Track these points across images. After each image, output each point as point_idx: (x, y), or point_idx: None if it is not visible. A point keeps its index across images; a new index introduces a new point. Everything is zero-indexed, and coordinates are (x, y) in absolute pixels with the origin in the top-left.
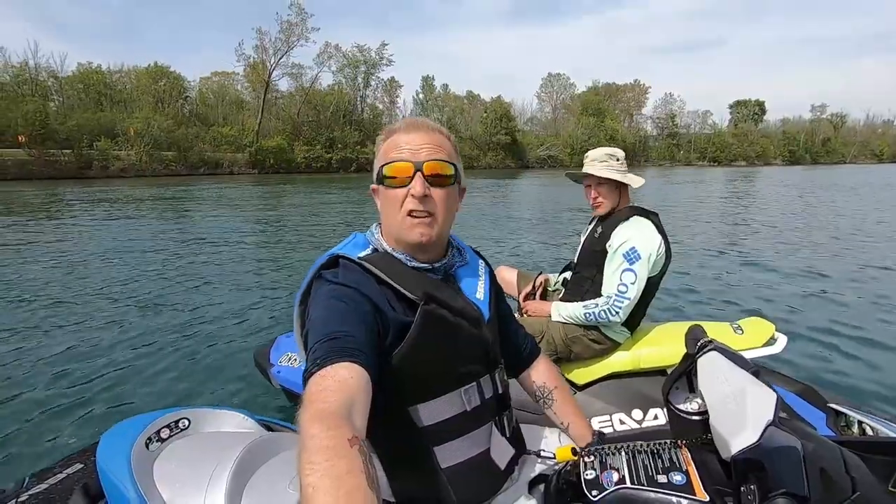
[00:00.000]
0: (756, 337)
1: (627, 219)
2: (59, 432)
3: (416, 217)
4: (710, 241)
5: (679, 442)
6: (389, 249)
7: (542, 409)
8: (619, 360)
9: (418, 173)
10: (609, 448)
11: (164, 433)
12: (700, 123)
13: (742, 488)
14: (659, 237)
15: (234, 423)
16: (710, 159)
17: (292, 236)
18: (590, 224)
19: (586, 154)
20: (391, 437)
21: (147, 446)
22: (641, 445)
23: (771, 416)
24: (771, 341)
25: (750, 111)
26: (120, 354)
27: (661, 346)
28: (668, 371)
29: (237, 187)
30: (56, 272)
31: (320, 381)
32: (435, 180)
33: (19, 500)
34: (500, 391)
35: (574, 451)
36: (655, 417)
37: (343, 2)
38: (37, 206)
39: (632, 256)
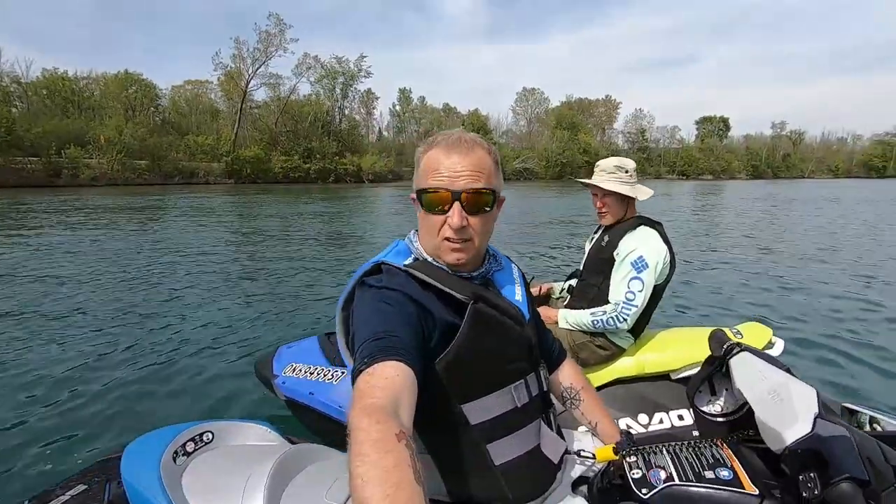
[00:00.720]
0: (754, 341)
1: (635, 228)
2: (50, 454)
3: (452, 243)
4: (695, 250)
5: (717, 440)
6: (430, 259)
7: (571, 410)
8: (624, 366)
9: (456, 203)
10: (651, 448)
11: (190, 447)
12: (669, 138)
13: (801, 477)
14: (664, 246)
15: (258, 436)
16: (678, 173)
17: (278, 246)
18: (595, 233)
19: (597, 163)
20: (444, 436)
21: (174, 460)
22: (682, 445)
23: (817, 409)
24: (769, 345)
25: (715, 127)
26: (108, 372)
27: (664, 351)
28: (672, 375)
29: (214, 197)
30: (30, 286)
31: (368, 379)
32: (472, 209)
33: None
34: (545, 388)
35: (616, 451)
36: (661, 421)
37: (322, 15)
38: (3, 215)
39: (640, 265)
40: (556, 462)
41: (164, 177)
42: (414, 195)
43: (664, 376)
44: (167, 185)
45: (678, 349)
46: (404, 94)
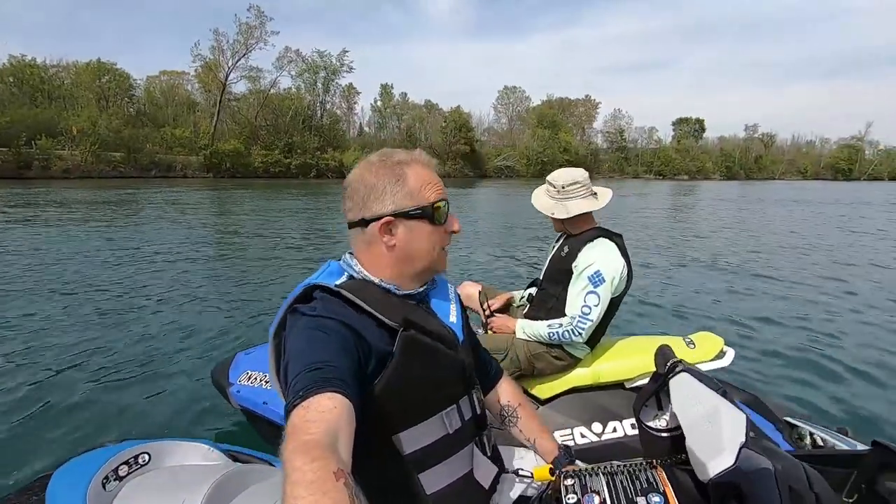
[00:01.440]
0: (707, 351)
1: (593, 240)
2: (18, 463)
3: (445, 251)
4: (660, 255)
5: (654, 462)
6: (377, 280)
7: (509, 428)
8: (579, 375)
9: (451, 211)
10: (588, 469)
11: (123, 470)
12: (646, 139)
13: None
14: (622, 260)
15: (199, 456)
16: (655, 173)
17: (253, 244)
18: (556, 241)
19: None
20: (373, 467)
21: (104, 486)
22: (618, 466)
23: (743, 438)
24: (720, 354)
25: (691, 128)
26: (61, 378)
27: (619, 360)
28: (626, 384)
29: (191, 191)
30: None
31: (303, 413)
32: None
33: None
34: (479, 411)
35: (552, 472)
36: (614, 430)
37: (304, 9)
38: None
39: (596, 280)
40: (486, 487)
41: (141, 170)
42: (391, 219)
43: (618, 385)
44: (143, 179)
45: (633, 358)
46: (386, 90)
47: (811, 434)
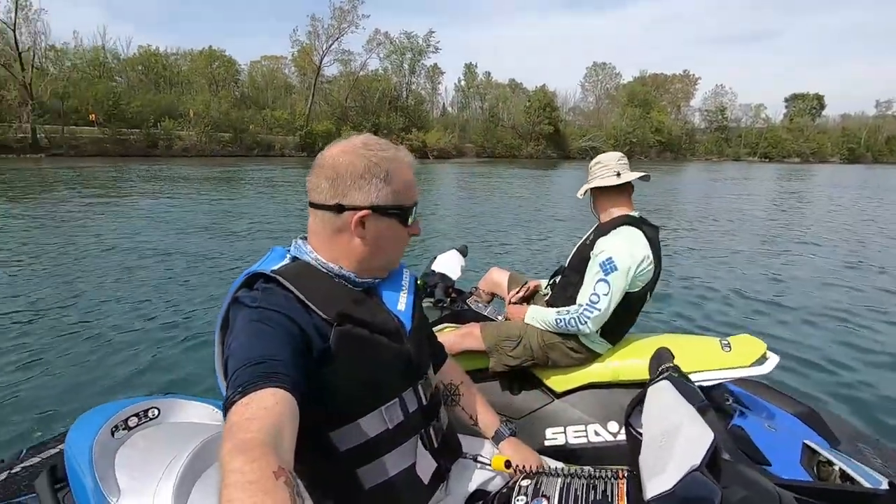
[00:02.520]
0: (744, 355)
1: (617, 227)
2: (64, 408)
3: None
4: (730, 246)
5: (621, 472)
6: (335, 268)
7: (451, 408)
8: (598, 370)
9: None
10: (549, 471)
11: (132, 421)
12: (752, 117)
13: None
14: (645, 251)
15: (203, 415)
16: (760, 155)
17: None
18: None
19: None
20: (309, 462)
21: (113, 434)
22: (582, 471)
23: (698, 461)
24: (760, 360)
25: (807, 105)
26: (143, 334)
27: (642, 358)
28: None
29: (286, 168)
30: (107, 251)
31: (243, 410)
32: None
33: (12, 471)
34: (426, 402)
35: (507, 464)
36: None
37: None
38: (107, 182)
39: (607, 267)
40: (426, 482)
41: (246, 149)
42: (366, 213)
43: (641, 385)
44: (247, 157)
45: None
46: (470, 70)
47: (830, 463)
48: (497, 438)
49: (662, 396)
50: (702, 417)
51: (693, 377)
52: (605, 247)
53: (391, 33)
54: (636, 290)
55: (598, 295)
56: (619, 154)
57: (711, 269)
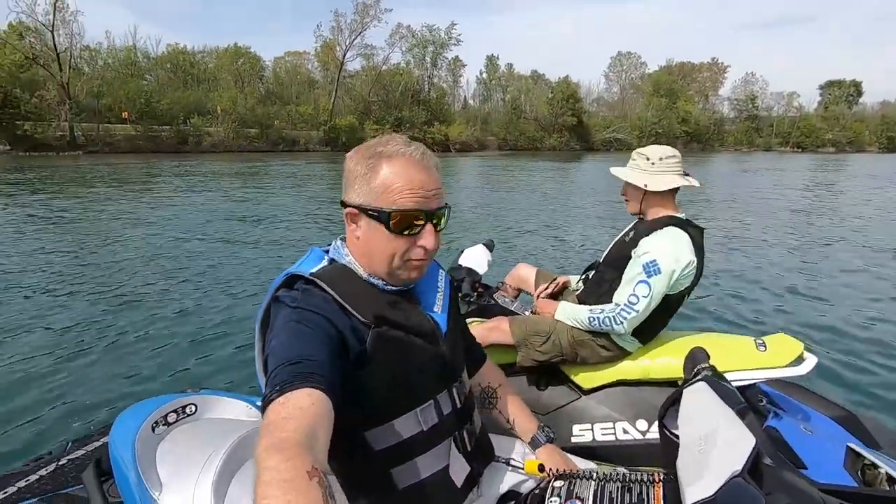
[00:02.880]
0: (780, 355)
1: (662, 227)
2: (102, 399)
3: (417, 262)
4: (764, 240)
5: (657, 476)
6: (364, 275)
7: (489, 411)
8: (628, 368)
9: (429, 224)
10: (581, 473)
11: (172, 417)
12: (784, 106)
13: None
14: (690, 256)
15: (238, 412)
16: (793, 144)
17: None
18: (630, 226)
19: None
20: (346, 462)
21: (153, 429)
22: (616, 474)
23: (739, 466)
24: (797, 361)
25: (844, 93)
26: (180, 328)
27: (673, 356)
28: (679, 383)
29: (311, 163)
30: (144, 244)
31: (279, 409)
32: (438, 227)
33: (59, 463)
34: (460, 405)
35: (541, 468)
36: None
37: None
38: (142, 178)
39: (651, 269)
40: (459, 485)
41: (271, 144)
42: (353, 211)
43: (672, 383)
44: (273, 152)
45: None
46: (491, 62)
47: (875, 466)
48: (534, 445)
49: (699, 398)
50: (741, 421)
51: (727, 377)
52: (650, 248)
53: (412, 27)
54: (675, 292)
55: (637, 296)
56: (659, 147)
57: (744, 264)
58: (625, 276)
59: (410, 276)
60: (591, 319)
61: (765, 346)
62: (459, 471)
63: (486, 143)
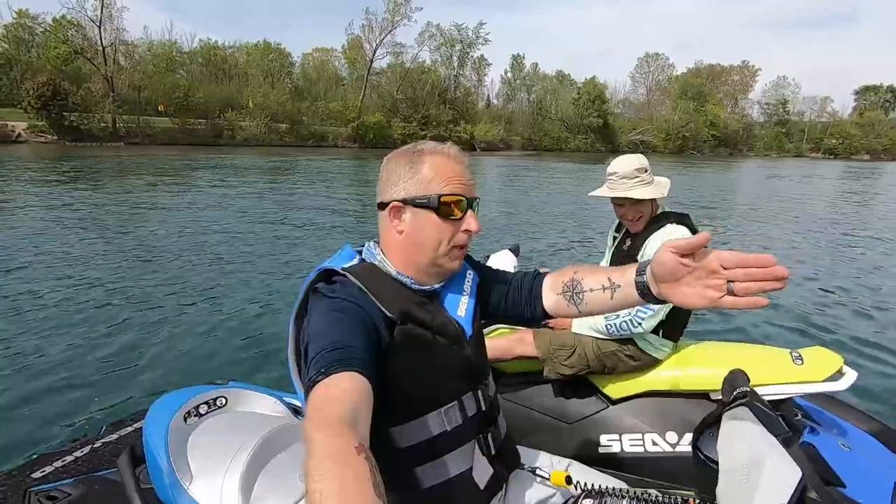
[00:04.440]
0: (817, 370)
1: (660, 227)
2: (134, 384)
3: (460, 250)
4: (799, 249)
5: (692, 501)
6: (394, 272)
7: (584, 302)
8: (657, 378)
9: (470, 210)
10: (614, 490)
11: (203, 409)
12: (817, 111)
13: None
14: None
15: (266, 406)
16: (825, 151)
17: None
18: (616, 231)
19: (611, 170)
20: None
21: (185, 420)
22: (648, 495)
23: (786, 500)
24: (836, 376)
25: (880, 98)
26: (212, 318)
27: (705, 367)
28: (711, 395)
29: (341, 159)
30: (175, 238)
31: (324, 391)
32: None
33: (94, 446)
34: (485, 407)
35: (568, 480)
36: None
37: None
38: (180, 169)
39: None
40: (482, 487)
41: (301, 139)
42: (399, 203)
43: (703, 395)
44: (303, 147)
45: (721, 367)
46: (517, 61)
47: None
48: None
49: (741, 424)
50: (787, 452)
51: (761, 391)
52: (656, 245)
53: (441, 25)
54: None
55: None
56: (639, 156)
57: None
58: None
59: (452, 266)
60: (609, 326)
61: (801, 360)
62: (482, 473)
63: (510, 142)
